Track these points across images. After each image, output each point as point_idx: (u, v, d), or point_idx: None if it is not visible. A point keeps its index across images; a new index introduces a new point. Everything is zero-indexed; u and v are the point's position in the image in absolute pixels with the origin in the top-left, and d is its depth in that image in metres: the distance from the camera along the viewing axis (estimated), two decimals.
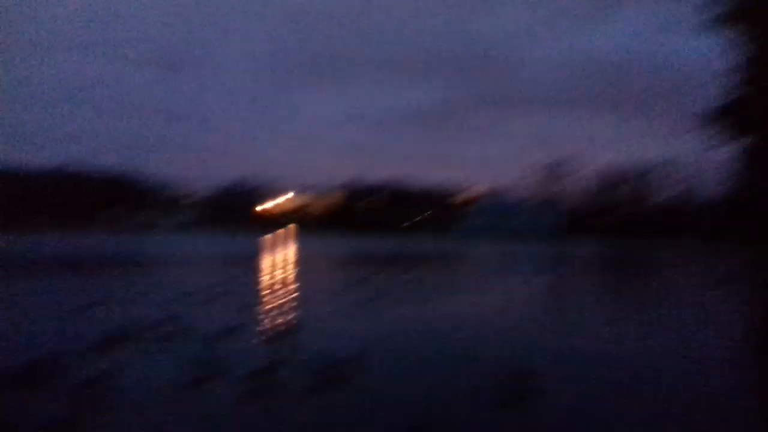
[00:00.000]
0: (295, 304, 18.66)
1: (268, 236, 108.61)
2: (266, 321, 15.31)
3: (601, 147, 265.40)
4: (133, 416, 7.55)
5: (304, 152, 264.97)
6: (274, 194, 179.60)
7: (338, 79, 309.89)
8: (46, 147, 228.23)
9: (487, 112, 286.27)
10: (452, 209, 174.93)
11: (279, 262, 40.81)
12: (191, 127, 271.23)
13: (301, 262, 42.00)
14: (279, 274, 30.00)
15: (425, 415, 7.63)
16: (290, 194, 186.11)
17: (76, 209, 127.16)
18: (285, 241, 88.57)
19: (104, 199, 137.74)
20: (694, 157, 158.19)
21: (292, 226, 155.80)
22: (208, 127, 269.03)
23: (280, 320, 15.29)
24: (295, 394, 8.70)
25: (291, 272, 31.52)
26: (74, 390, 8.32)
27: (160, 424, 7.39)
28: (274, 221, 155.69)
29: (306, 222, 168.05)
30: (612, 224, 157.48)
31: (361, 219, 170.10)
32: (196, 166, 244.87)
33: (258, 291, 22.44)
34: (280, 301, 19.27)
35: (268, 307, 18.01)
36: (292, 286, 24.02)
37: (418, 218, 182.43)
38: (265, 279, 27.36)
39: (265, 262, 41.25)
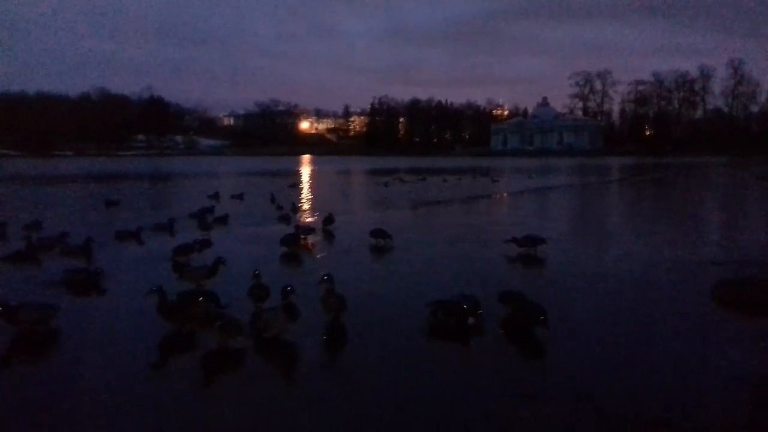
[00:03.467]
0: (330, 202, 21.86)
1: (301, 157, 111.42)
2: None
3: (643, 58, 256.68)
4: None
5: (340, 72, 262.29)
6: (303, 117, 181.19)
7: None
8: (85, 74, 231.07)
9: (527, 24, 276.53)
10: (490, 125, 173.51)
11: (311, 178, 44.06)
12: (225, 49, 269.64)
13: (333, 177, 45.10)
14: (311, 185, 33.18)
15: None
16: (323, 116, 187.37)
17: (114, 132, 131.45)
18: (317, 161, 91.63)
19: (141, 123, 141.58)
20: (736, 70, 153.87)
21: (326, 147, 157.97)
22: (242, 49, 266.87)
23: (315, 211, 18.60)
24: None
25: (324, 185, 34.73)
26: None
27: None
28: (304, 144, 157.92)
29: (340, 143, 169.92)
30: (651, 138, 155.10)
31: (397, 139, 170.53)
32: (230, 89, 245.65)
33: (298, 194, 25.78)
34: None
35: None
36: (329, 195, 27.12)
37: (457, 136, 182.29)
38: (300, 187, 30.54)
39: (299, 177, 44.63)
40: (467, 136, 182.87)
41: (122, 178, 43.09)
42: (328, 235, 14.03)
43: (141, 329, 6.72)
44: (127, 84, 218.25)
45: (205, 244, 11.38)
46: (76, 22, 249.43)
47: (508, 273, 9.91)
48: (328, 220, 15.20)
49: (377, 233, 12.67)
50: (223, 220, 16.45)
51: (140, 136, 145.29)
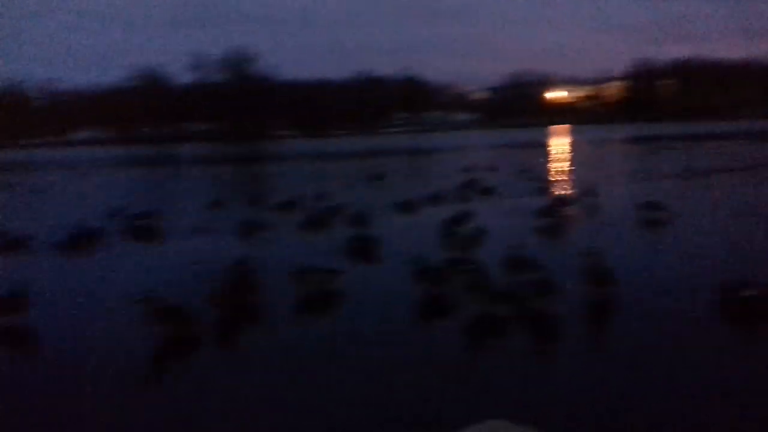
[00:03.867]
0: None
1: (553, 128, 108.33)
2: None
3: None
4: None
5: (595, 34, 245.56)
6: (556, 86, 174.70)
7: None
8: (346, 59, 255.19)
9: None
10: None
11: (566, 149, 42.70)
12: (476, 21, 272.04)
13: (589, 147, 43.02)
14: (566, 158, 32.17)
15: None
16: (572, 85, 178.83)
17: (372, 114, 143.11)
18: (571, 131, 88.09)
19: (399, 102, 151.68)
20: None
21: (577, 118, 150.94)
22: (493, 20, 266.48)
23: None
24: None
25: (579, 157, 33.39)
26: None
27: None
28: (558, 114, 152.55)
29: (596, 111, 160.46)
30: None
31: (660, 104, 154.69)
32: (482, 63, 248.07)
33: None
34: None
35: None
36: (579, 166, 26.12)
37: (730, 99, 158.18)
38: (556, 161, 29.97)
39: (553, 148, 43.61)
40: (747, 98, 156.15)
41: (386, 154, 47.04)
42: (590, 208, 13.65)
43: (403, 292, 7.39)
44: (385, 66, 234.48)
45: (468, 215, 11.95)
46: (337, 12, 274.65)
47: None
48: (588, 192, 14.95)
49: (647, 206, 12.16)
50: (486, 191, 17.07)
51: (400, 115, 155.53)
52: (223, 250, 10.57)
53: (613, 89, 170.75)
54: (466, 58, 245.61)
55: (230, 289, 7.32)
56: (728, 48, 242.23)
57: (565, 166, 27.45)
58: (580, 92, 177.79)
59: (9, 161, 54.49)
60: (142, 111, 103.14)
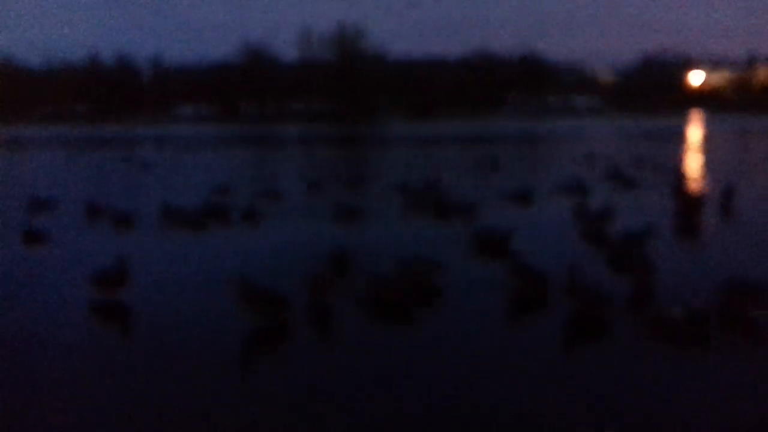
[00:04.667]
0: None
1: (691, 115, 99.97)
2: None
3: None
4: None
5: (744, 10, 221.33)
6: (695, 68, 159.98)
7: None
8: (464, 36, 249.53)
9: None
10: None
11: (703, 141, 38.71)
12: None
13: (731, 139, 38.76)
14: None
15: None
16: (714, 67, 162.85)
17: (486, 95, 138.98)
18: (711, 120, 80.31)
19: (515, 83, 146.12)
20: None
21: (718, 105, 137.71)
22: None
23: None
24: None
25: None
26: None
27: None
28: (696, 100, 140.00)
29: (742, 98, 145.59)
30: None
31: None
32: (604, 42, 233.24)
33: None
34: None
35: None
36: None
37: None
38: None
39: (688, 139, 39.64)
40: None
41: (500, 140, 45.08)
42: (728, 210, 12.48)
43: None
44: (503, 43, 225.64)
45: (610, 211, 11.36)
46: None
47: None
48: (728, 192, 13.06)
49: None
50: (626, 181, 16.39)
51: (515, 97, 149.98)
52: (325, 235, 10.72)
53: (762, 73, 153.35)
54: (592, 35, 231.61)
55: (331, 276, 7.36)
56: None
57: (702, 160, 24.52)
58: (724, 76, 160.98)
59: (117, 137, 57.72)
60: (247, 88, 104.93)
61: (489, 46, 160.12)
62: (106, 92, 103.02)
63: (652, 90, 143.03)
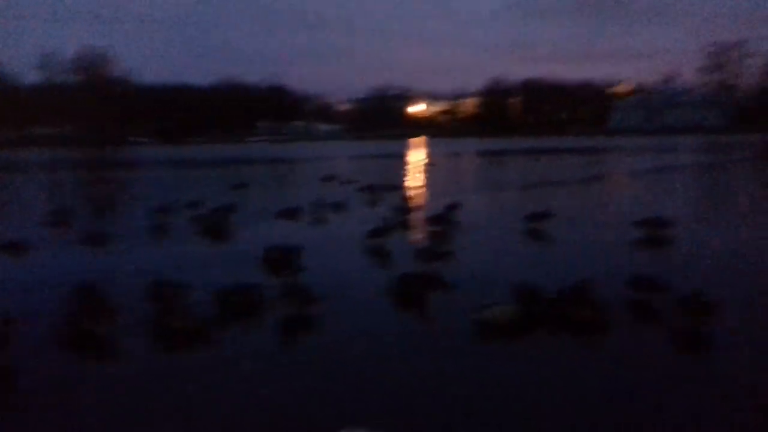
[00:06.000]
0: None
1: (412, 140, 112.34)
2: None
3: None
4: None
5: (454, 51, 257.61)
6: (417, 100, 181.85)
7: None
8: (214, 65, 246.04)
9: None
10: (606, 104, 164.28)
11: (422, 159, 44.92)
12: (341, 33, 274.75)
13: (445, 159, 45.63)
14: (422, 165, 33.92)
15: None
16: (432, 100, 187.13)
17: (236, 121, 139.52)
18: (428, 144, 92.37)
19: (264, 110, 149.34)
20: None
21: (435, 130, 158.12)
22: (358, 33, 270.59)
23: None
24: None
25: (434, 165, 35.56)
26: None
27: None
28: (417, 126, 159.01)
29: (450, 126, 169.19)
30: None
31: (510, 120, 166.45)
32: (347, 74, 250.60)
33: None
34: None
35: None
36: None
37: (569, 116, 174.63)
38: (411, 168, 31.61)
39: (411, 157, 45.70)
40: (584, 115, 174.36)
41: (248, 162, 46.28)
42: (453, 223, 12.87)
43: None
44: (251, 73, 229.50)
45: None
46: (204, 15, 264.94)
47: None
48: (452, 206, 14.40)
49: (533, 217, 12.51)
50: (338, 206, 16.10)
51: (264, 123, 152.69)
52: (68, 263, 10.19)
53: (468, 105, 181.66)
54: (332, 69, 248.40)
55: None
56: (573, 69, 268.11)
57: (418, 176, 29.00)
58: (438, 106, 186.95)
59: None
60: None
61: (240, 74, 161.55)
62: None
63: (381, 118, 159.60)
